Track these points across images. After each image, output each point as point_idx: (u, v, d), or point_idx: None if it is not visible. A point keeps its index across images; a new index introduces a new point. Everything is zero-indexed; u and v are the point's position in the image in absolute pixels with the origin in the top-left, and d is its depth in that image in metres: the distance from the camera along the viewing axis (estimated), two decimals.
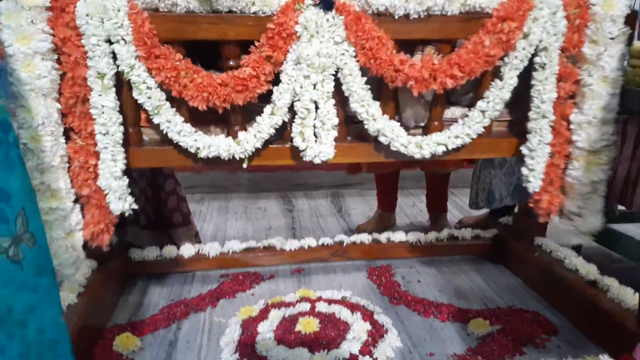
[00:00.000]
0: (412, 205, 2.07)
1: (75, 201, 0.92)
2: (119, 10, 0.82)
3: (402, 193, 1.86)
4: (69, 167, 0.90)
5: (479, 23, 0.92)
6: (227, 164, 0.94)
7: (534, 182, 0.99)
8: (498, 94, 0.95)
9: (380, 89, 0.96)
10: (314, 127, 0.93)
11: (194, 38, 0.89)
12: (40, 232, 0.64)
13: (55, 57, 0.84)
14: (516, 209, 1.53)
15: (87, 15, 0.82)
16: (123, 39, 0.83)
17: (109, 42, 0.84)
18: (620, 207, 1.32)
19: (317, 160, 0.94)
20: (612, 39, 0.92)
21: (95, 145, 0.88)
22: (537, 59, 0.94)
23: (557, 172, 1.00)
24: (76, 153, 0.89)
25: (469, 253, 1.46)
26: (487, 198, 1.61)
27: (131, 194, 0.92)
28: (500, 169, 1.58)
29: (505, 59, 0.93)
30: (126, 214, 0.93)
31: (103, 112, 0.86)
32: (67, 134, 0.90)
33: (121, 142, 0.90)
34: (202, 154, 0.92)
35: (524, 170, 1.00)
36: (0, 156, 0.63)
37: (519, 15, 0.90)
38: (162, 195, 1.36)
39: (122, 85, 0.89)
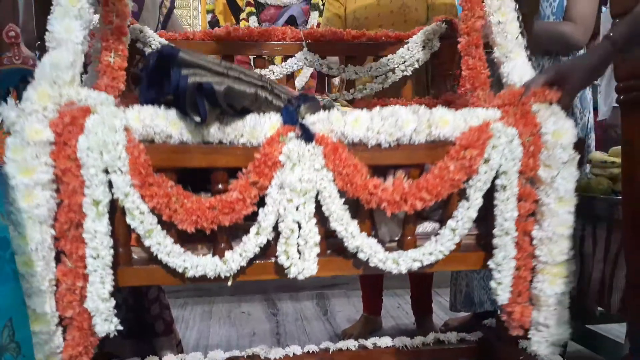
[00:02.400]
0: (397, 306, 2.09)
1: (58, 324, 0.94)
2: (117, 144, 0.90)
3: (387, 293, 1.89)
4: (55, 291, 0.92)
5: (444, 150, 1.03)
6: (213, 281, 0.98)
7: (502, 294, 1.05)
8: (466, 213, 1.03)
9: (357, 208, 1.03)
10: (297, 245, 0.99)
11: (186, 166, 0.97)
12: (26, 341, 0.69)
13: (55, 186, 0.90)
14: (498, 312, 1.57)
15: (88, 148, 0.89)
16: (120, 170, 0.90)
17: (106, 172, 0.91)
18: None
19: (300, 277, 0.99)
20: (563, 163, 1.03)
21: (85, 267, 0.92)
22: (498, 181, 1.03)
23: (524, 285, 1.06)
24: (65, 275, 0.92)
25: (455, 357, 1.46)
26: (464, 301, 1.65)
27: (114, 306, 0.94)
28: (477, 273, 1.64)
29: (470, 181, 1.03)
30: (111, 336, 0.94)
31: (95, 237, 0.91)
32: (58, 257, 0.93)
33: (111, 264, 0.93)
34: (190, 273, 0.96)
35: (492, 284, 1.07)
36: None
37: (479, 144, 1.01)
38: (145, 303, 1.37)
39: (115, 210, 0.95)
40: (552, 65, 1.71)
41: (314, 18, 3.00)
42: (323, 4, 3.02)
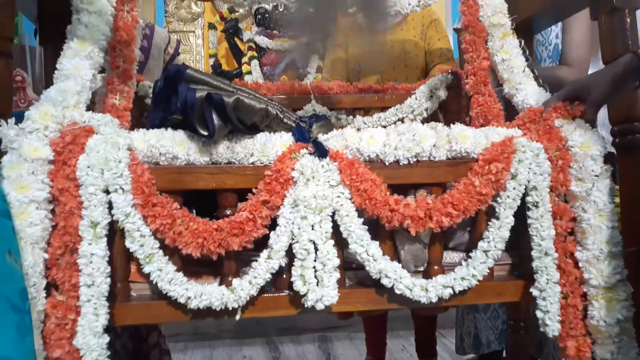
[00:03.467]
0: (401, 349, 2.03)
1: None
2: (119, 162, 0.84)
3: (391, 335, 1.87)
4: (43, 327, 0.82)
5: (466, 167, 0.96)
6: (219, 315, 0.87)
7: (551, 324, 0.92)
8: (497, 233, 0.94)
9: (377, 231, 0.94)
10: (315, 269, 0.89)
11: (193, 188, 0.90)
12: None
13: (50, 207, 0.84)
14: (504, 354, 1.46)
15: (88, 167, 0.84)
16: (121, 188, 0.84)
17: (107, 192, 0.85)
18: None
19: (319, 306, 0.87)
20: (596, 175, 0.95)
21: (77, 299, 0.82)
22: (529, 199, 0.95)
23: (575, 314, 0.94)
24: (54, 308, 0.82)
25: None
26: (473, 343, 1.58)
27: (112, 350, 0.82)
28: (484, 313, 1.58)
29: (498, 199, 0.95)
30: None
31: (91, 262, 0.82)
32: (48, 289, 0.84)
33: (106, 295, 0.83)
34: (193, 304, 0.85)
35: (539, 314, 0.94)
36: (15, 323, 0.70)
37: (504, 157, 0.94)
38: (145, 348, 1.26)
39: (113, 236, 0.87)
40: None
41: (314, 62, 3.08)
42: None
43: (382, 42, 1.88)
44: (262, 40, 3.16)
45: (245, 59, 3.16)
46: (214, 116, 0.86)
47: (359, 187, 0.90)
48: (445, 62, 1.87)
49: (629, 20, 1.10)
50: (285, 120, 0.96)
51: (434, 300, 0.92)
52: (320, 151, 0.91)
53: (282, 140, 0.93)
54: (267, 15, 3.21)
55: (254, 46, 3.16)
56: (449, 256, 1.04)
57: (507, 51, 1.30)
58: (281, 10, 3.17)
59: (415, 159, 0.95)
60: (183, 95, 0.86)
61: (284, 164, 0.89)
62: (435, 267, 0.98)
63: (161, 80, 0.93)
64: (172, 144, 0.90)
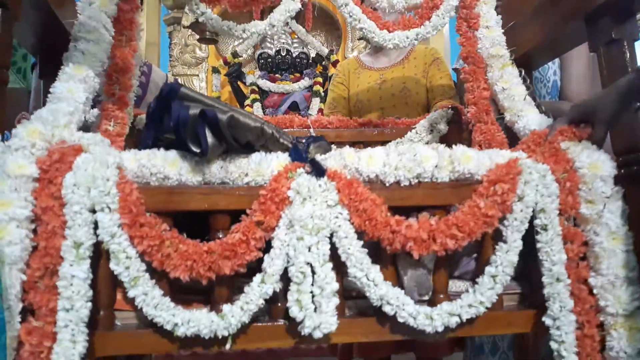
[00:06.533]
0: None
1: None
2: (107, 180, 0.81)
3: None
4: (15, 355, 0.75)
5: (470, 189, 0.92)
6: (208, 345, 0.80)
7: (567, 356, 0.85)
8: (505, 257, 0.88)
9: (378, 255, 0.89)
10: (312, 294, 0.83)
11: (184, 209, 0.86)
12: None
13: (32, 227, 0.79)
14: None
15: (74, 184, 0.80)
16: (108, 207, 0.80)
17: (93, 211, 0.80)
18: None
19: (317, 334, 0.81)
20: (607, 197, 0.91)
21: (54, 324, 0.76)
22: (537, 222, 0.90)
23: (593, 346, 0.87)
24: (29, 335, 0.75)
25: None
26: None
27: None
28: (492, 356, 1.47)
29: (505, 221, 0.90)
30: None
31: (71, 284, 0.77)
32: (24, 314, 0.78)
33: (86, 321, 0.77)
34: (180, 331, 0.79)
35: (553, 345, 0.87)
36: None
37: (509, 178, 0.90)
38: None
39: (99, 260, 0.82)
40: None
41: (315, 104, 3.11)
42: (324, 91, 3.15)
43: (383, 79, 1.90)
44: (265, 84, 3.22)
45: (247, 102, 3.20)
46: (208, 134, 0.83)
47: (359, 207, 0.86)
48: (447, 99, 1.87)
49: (628, 51, 1.10)
50: (281, 140, 0.93)
51: (440, 329, 0.85)
52: (318, 170, 0.87)
53: (278, 160, 0.89)
54: (270, 59, 3.29)
55: (256, 89, 3.22)
56: (455, 285, 0.99)
57: (507, 80, 1.30)
58: (283, 55, 3.26)
59: (416, 180, 0.91)
60: (176, 112, 0.84)
61: (279, 183, 0.85)
62: (441, 296, 0.92)
63: (154, 99, 0.91)
64: (163, 164, 0.87)
